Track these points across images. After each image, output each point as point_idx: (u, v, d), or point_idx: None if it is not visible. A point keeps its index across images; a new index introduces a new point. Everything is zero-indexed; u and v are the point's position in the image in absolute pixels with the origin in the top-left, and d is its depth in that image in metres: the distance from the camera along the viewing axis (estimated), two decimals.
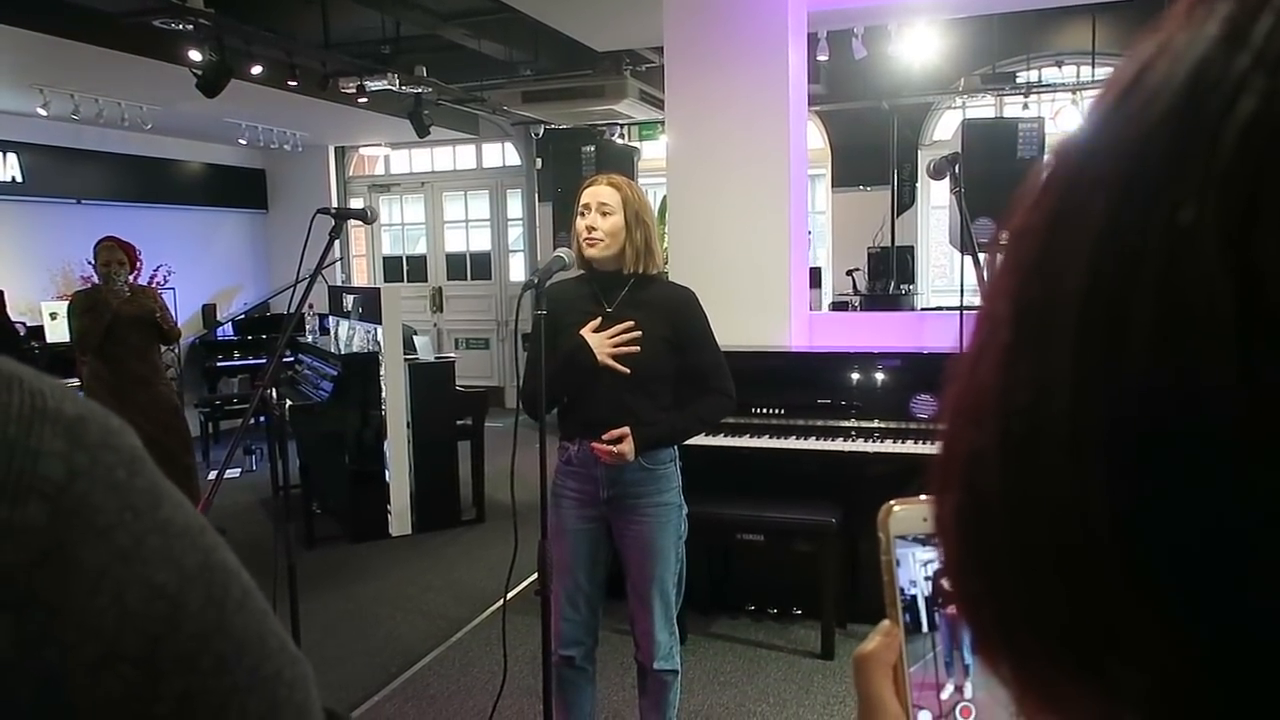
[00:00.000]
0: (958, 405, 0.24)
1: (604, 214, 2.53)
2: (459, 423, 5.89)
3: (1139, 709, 0.21)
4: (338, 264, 10.05)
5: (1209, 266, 0.18)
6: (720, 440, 3.87)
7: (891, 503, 0.45)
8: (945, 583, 0.45)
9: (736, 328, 3.92)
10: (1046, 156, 0.23)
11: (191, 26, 5.62)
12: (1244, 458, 0.18)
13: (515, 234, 10.48)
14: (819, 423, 3.95)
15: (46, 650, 0.31)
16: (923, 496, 0.45)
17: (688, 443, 2.74)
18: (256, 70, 6.45)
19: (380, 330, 5.59)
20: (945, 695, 0.45)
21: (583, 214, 2.56)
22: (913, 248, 8.64)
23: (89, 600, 0.32)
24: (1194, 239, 0.19)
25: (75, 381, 6.18)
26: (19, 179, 8.04)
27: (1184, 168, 0.19)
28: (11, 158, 7.99)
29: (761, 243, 4.40)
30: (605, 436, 2.48)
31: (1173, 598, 0.19)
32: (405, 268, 10.79)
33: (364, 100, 7.19)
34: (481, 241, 10.58)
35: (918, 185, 8.68)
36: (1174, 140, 0.19)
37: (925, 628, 0.45)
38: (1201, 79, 0.19)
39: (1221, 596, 0.19)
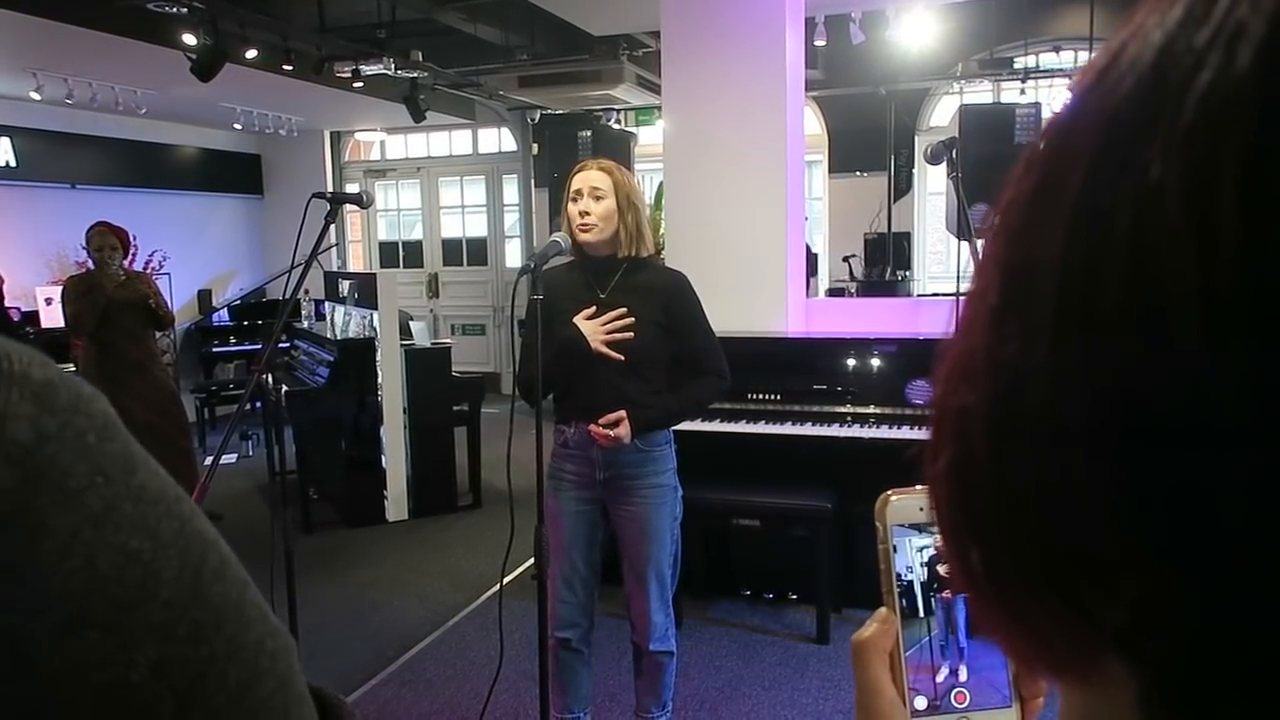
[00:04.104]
0: (951, 365, 0.26)
1: (596, 198, 2.53)
2: (455, 408, 5.90)
3: (1118, 644, 0.22)
4: (333, 249, 10.03)
5: (1174, 224, 0.20)
6: (716, 425, 3.88)
7: (889, 492, 0.46)
8: (941, 569, 0.46)
9: (733, 313, 3.93)
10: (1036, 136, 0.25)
11: (186, 10, 5.59)
12: (1212, 414, 0.19)
13: (511, 219, 10.46)
14: (815, 408, 3.96)
15: (8, 615, 0.30)
16: (918, 487, 0.46)
17: (684, 428, 2.75)
18: (251, 54, 6.42)
19: (376, 316, 5.58)
20: (940, 679, 0.46)
21: (575, 199, 2.56)
22: (909, 234, 8.64)
23: (57, 563, 0.31)
24: (1160, 197, 0.20)
25: (70, 366, 6.19)
26: (12, 163, 8.01)
27: (1151, 133, 0.20)
28: (5, 142, 7.95)
29: (758, 228, 4.40)
30: (602, 420, 2.50)
31: (1149, 538, 0.21)
32: (401, 253, 10.77)
33: (359, 85, 7.16)
34: (478, 227, 10.56)
35: (914, 171, 8.67)
36: (1143, 109, 0.21)
37: (921, 613, 0.46)
38: (1166, 54, 0.21)
39: (1197, 538, 0.20)
